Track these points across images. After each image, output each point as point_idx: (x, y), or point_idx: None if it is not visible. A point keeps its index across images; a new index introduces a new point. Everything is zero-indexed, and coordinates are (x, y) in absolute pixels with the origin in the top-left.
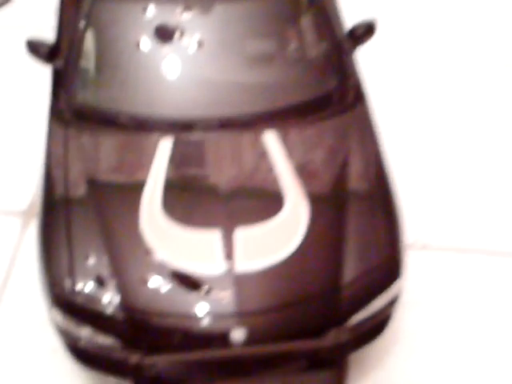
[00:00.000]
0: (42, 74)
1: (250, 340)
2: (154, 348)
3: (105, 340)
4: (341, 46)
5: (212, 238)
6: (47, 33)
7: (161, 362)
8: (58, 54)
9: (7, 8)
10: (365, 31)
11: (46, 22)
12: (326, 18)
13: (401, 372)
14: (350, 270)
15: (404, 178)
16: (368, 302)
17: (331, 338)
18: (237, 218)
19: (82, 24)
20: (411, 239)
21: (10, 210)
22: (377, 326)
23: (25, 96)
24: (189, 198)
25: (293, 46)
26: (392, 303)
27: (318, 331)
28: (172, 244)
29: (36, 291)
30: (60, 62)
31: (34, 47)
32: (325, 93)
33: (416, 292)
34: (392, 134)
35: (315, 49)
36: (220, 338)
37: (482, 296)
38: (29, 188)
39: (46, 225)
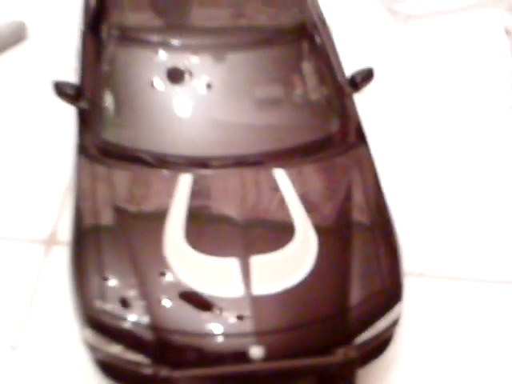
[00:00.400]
0: (57, 110)
1: (267, 357)
2: (179, 364)
3: (134, 357)
4: (342, 91)
5: (231, 265)
6: (61, 70)
7: (187, 376)
8: (82, 95)
9: (21, 46)
10: (364, 78)
11: (60, 59)
12: (329, 65)
13: None
14: (357, 294)
15: (401, 210)
16: (373, 323)
17: (340, 355)
18: (252, 247)
19: (102, 67)
20: (408, 268)
21: (32, 239)
22: (381, 344)
23: (41, 130)
24: (208, 228)
25: (299, 91)
26: (394, 324)
27: (328, 349)
28: (194, 270)
29: (58, 313)
30: (84, 103)
31: (61, 89)
32: (328, 134)
33: (413, 316)
34: (389, 170)
35: (319, 94)
36: (239, 355)
37: (472, 320)
38: (50, 217)
39: (78, 252)
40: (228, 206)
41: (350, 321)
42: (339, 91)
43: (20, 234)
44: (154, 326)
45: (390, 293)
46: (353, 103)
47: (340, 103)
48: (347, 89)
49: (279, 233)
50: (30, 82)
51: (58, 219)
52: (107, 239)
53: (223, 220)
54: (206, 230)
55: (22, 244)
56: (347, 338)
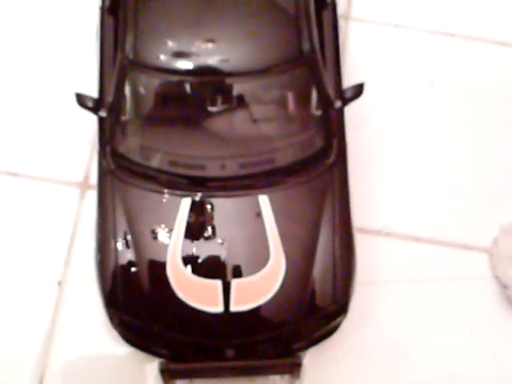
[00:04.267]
0: None
1: (238, 356)
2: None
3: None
4: (330, 108)
5: (215, 286)
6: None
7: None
8: (101, 105)
9: None
10: (354, 93)
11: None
12: (321, 85)
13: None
14: (312, 308)
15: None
16: (321, 328)
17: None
18: (233, 270)
19: (118, 83)
20: (379, 226)
21: (68, 181)
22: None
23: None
24: (199, 252)
25: (288, 111)
26: (339, 324)
27: (287, 351)
28: (189, 289)
29: None
30: (103, 113)
31: (82, 100)
32: (312, 153)
33: (375, 274)
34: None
35: (307, 111)
36: (219, 353)
37: (433, 280)
38: (82, 161)
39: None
40: (216, 230)
41: (305, 326)
42: (328, 108)
43: (56, 177)
44: None
45: (339, 307)
46: (341, 118)
47: (327, 121)
48: (337, 103)
49: (257, 258)
50: None
51: (90, 164)
52: (123, 253)
53: (211, 244)
54: (198, 253)
55: (59, 186)
56: (302, 338)
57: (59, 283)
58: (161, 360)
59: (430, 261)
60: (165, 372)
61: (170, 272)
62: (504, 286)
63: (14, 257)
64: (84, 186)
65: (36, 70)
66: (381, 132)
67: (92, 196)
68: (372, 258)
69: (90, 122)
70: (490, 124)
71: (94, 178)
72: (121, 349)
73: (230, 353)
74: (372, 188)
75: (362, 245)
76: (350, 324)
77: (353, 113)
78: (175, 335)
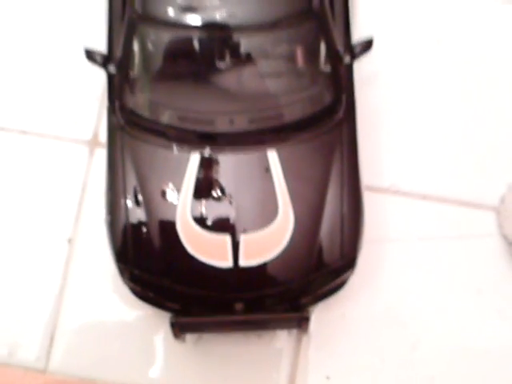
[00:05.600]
0: None
1: (247, 310)
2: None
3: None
4: (340, 63)
5: (224, 241)
6: None
7: (194, 321)
8: (110, 60)
9: None
10: (363, 48)
11: None
12: (330, 39)
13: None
14: (320, 262)
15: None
16: (331, 281)
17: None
18: (243, 225)
19: (127, 38)
20: (387, 184)
21: (77, 139)
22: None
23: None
24: (208, 207)
25: (297, 65)
26: (346, 280)
27: (295, 306)
28: (198, 244)
29: None
30: (112, 68)
31: (91, 55)
32: (321, 109)
33: (382, 232)
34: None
35: (316, 66)
36: (228, 307)
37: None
38: (91, 120)
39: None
40: (225, 186)
41: (313, 281)
42: (337, 63)
43: (64, 134)
44: None
45: (346, 262)
46: (350, 74)
47: (336, 76)
48: (346, 59)
49: (266, 213)
50: None
51: (99, 122)
52: (133, 211)
53: (221, 199)
54: (206, 208)
55: (67, 144)
56: (310, 291)
57: (69, 241)
58: (171, 314)
59: (437, 219)
60: (175, 325)
61: (179, 227)
62: (511, 244)
63: (24, 215)
64: (93, 143)
65: (44, 26)
66: (389, 89)
67: (101, 154)
68: (379, 216)
69: (98, 79)
70: (500, 82)
71: (102, 136)
72: (131, 306)
73: (238, 307)
74: (379, 146)
75: (370, 203)
76: (357, 281)
77: (361, 69)
78: (185, 289)
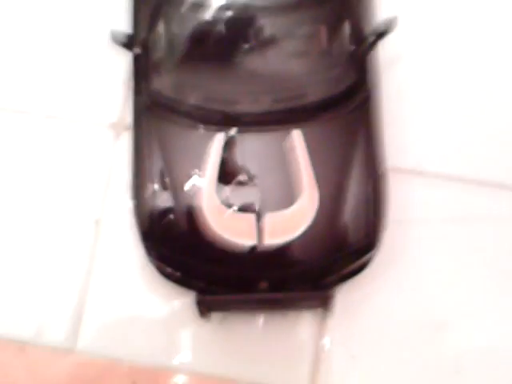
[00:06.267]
0: None
1: (271, 289)
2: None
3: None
4: (363, 43)
5: (249, 220)
6: None
7: (220, 299)
8: (135, 41)
9: None
10: (387, 28)
11: None
12: (354, 19)
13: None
14: (343, 243)
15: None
16: (355, 261)
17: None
18: (267, 204)
19: (152, 19)
20: (411, 164)
21: (102, 123)
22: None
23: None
24: (233, 187)
25: (321, 44)
26: (370, 260)
27: (319, 285)
28: (224, 222)
29: None
30: (137, 49)
31: (116, 37)
32: (345, 88)
33: (406, 213)
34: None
35: (340, 44)
36: (253, 285)
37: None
38: (116, 102)
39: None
40: (250, 165)
41: (337, 262)
42: (361, 43)
43: (90, 118)
44: None
45: (370, 242)
46: (374, 54)
47: (360, 55)
48: (370, 38)
49: (290, 192)
50: None
51: (124, 105)
52: (158, 193)
53: (245, 177)
54: (232, 187)
55: (93, 127)
56: (336, 271)
57: (97, 222)
58: (196, 293)
59: (463, 200)
60: (201, 304)
61: (205, 206)
62: None
63: (51, 198)
64: (118, 126)
65: (68, 9)
66: (414, 68)
67: (126, 137)
68: (403, 197)
69: (123, 61)
70: None
71: (128, 120)
72: (156, 287)
73: (263, 285)
74: (404, 126)
75: (394, 183)
76: (381, 263)
77: (386, 48)
78: (210, 268)
